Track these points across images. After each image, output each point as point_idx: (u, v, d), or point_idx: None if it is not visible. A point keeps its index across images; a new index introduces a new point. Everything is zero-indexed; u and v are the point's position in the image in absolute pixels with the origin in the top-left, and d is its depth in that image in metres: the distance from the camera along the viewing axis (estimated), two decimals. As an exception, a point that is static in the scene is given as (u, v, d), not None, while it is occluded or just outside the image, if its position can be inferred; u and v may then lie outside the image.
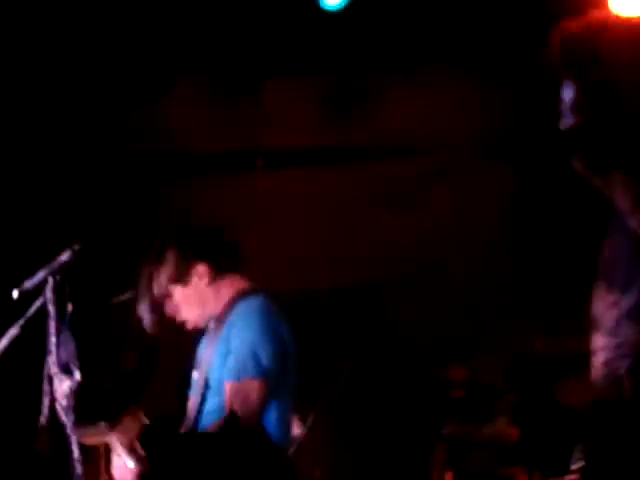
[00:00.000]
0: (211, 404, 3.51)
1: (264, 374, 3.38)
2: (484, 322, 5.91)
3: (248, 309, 3.47)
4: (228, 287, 3.55)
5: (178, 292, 3.55)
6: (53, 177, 5.59)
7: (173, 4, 5.50)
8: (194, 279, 3.53)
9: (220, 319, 3.52)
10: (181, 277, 3.52)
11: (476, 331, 5.88)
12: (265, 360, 3.39)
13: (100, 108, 5.72)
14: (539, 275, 5.96)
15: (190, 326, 3.62)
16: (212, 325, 3.58)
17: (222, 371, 3.47)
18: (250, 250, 4.56)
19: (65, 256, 3.39)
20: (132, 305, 3.60)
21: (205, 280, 3.53)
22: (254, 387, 3.37)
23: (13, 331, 3.38)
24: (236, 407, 3.33)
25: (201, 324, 3.61)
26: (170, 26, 5.59)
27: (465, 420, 5.67)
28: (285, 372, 3.46)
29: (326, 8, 5.41)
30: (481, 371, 5.79)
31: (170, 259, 3.54)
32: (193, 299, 3.55)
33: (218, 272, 3.53)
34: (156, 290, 3.55)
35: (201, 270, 3.53)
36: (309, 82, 6.07)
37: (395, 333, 5.91)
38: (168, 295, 3.57)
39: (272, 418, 3.46)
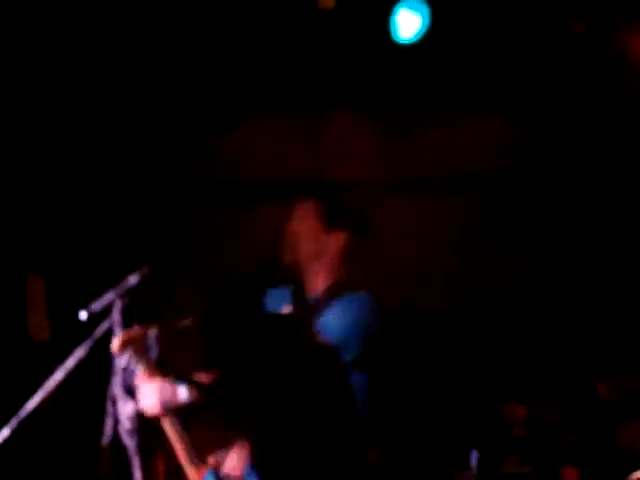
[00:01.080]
0: None
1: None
2: (546, 362, 5.84)
3: (358, 304, 3.49)
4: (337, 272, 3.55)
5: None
6: (123, 200, 5.64)
7: (242, 35, 5.56)
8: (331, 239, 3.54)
9: (320, 300, 3.55)
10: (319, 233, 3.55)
11: (538, 371, 5.82)
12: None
13: (170, 137, 5.78)
14: (603, 316, 5.90)
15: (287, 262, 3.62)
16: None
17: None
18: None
19: (133, 279, 3.43)
20: (192, 331, 3.61)
21: (337, 247, 3.53)
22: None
23: (80, 352, 3.40)
24: None
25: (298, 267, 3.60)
26: (238, 59, 5.65)
27: (525, 460, 5.60)
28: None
29: (400, 42, 5.42)
30: (541, 412, 5.72)
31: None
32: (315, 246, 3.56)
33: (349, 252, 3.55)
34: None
35: (341, 237, 3.54)
36: (371, 114, 6.09)
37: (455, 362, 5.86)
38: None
39: None
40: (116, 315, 3.34)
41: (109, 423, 3.40)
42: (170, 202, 3.70)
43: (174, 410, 3.46)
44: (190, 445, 3.62)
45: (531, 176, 6.08)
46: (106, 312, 3.36)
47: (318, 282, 3.61)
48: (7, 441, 3.40)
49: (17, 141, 5.49)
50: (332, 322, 3.53)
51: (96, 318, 3.39)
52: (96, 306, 3.36)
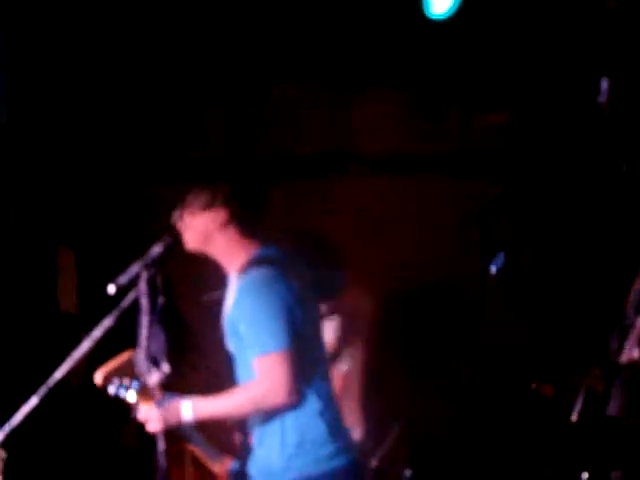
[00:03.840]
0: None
1: (283, 345, 3.35)
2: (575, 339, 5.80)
3: (253, 281, 3.42)
4: (244, 251, 3.49)
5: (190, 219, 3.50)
6: (149, 172, 5.67)
7: (272, 6, 5.56)
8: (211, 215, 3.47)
9: (233, 286, 3.50)
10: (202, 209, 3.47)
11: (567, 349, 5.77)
12: (280, 332, 3.36)
13: (201, 109, 5.79)
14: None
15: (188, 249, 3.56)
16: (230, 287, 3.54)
17: (234, 340, 3.47)
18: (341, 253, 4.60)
19: (157, 249, 3.45)
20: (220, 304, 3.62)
21: (217, 223, 3.47)
22: (276, 361, 3.34)
23: (107, 322, 3.44)
24: (265, 382, 3.34)
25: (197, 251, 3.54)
26: (269, 29, 5.64)
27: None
28: (304, 340, 3.41)
29: (433, 17, 5.38)
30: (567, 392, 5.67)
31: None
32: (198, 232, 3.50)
33: (238, 227, 3.48)
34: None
35: (221, 213, 3.47)
36: (405, 89, 6.05)
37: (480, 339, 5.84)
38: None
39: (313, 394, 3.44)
40: (142, 286, 3.37)
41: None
42: (195, 173, 3.72)
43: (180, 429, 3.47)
44: (206, 442, 3.64)
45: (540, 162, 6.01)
46: (133, 283, 3.39)
47: (225, 263, 3.52)
48: (36, 410, 3.44)
49: (48, 112, 5.52)
50: (228, 304, 3.48)
51: (123, 289, 3.42)
52: (123, 279, 3.39)
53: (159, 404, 3.37)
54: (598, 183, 5.49)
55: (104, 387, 3.45)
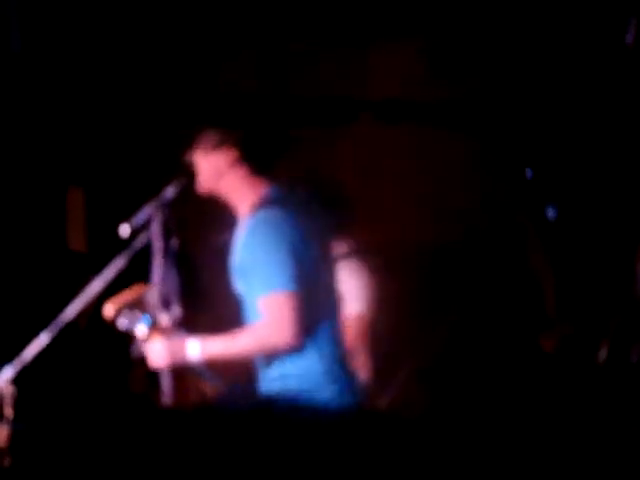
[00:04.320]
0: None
1: (290, 286, 3.34)
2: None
3: (262, 222, 3.41)
4: (254, 190, 3.48)
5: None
6: (161, 113, 5.63)
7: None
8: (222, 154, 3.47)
9: (242, 227, 3.49)
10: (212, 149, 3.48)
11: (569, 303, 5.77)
12: (287, 272, 3.34)
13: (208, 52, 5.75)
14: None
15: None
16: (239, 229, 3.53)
17: (243, 283, 3.45)
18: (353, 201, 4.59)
19: (171, 191, 3.44)
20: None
21: (227, 162, 3.47)
22: (283, 301, 3.33)
23: (118, 263, 3.43)
24: (271, 322, 3.33)
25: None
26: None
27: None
28: (312, 282, 3.40)
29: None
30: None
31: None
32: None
33: (249, 167, 3.47)
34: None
35: (230, 153, 3.47)
36: (417, 39, 6.00)
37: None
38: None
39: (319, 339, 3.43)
40: (155, 227, 3.36)
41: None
42: (207, 116, 3.70)
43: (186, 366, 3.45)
44: (220, 380, 3.63)
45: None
46: (145, 224, 3.38)
47: (235, 203, 3.50)
48: (45, 348, 3.44)
49: (63, 45, 5.46)
50: (237, 245, 3.46)
51: (135, 230, 3.41)
52: (136, 220, 3.39)
53: (167, 339, 3.37)
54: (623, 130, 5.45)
55: (114, 320, 3.44)
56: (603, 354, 3.70)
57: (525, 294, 5.62)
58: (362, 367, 4.03)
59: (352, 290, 4.21)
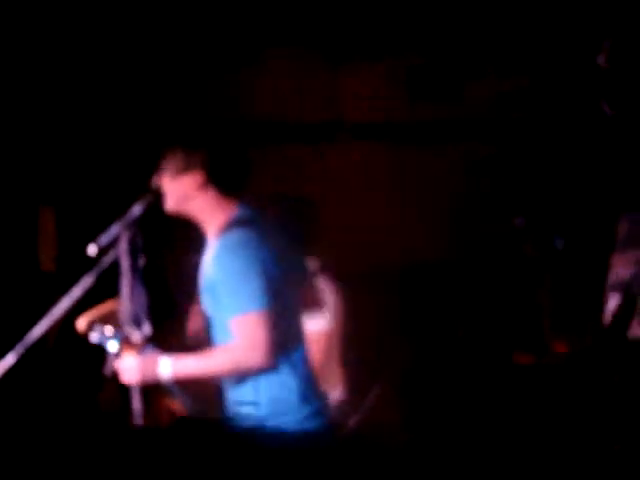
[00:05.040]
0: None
1: (262, 306, 3.32)
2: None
3: (231, 242, 3.39)
4: (223, 212, 3.46)
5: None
6: (134, 132, 5.62)
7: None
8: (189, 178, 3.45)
9: (210, 247, 3.47)
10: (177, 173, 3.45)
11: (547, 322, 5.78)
12: (258, 292, 3.33)
13: (184, 75, 5.75)
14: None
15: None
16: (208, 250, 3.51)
17: (212, 303, 3.43)
18: (323, 220, 4.58)
19: (138, 209, 3.43)
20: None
21: (193, 186, 3.44)
22: (255, 321, 3.31)
23: (86, 282, 3.41)
24: (245, 343, 3.31)
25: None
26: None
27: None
28: (282, 302, 3.38)
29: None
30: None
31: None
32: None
33: (217, 189, 3.45)
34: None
35: (197, 176, 3.44)
36: (393, 61, 6.03)
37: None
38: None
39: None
40: (123, 245, 3.35)
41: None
42: (181, 137, 3.70)
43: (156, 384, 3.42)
44: (190, 398, 3.61)
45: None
46: (113, 242, 3.37)
47: (204, 224, 3.49)
48: (12, 368, 3.41)
49: (27, 73, 5.46)
50: (206, 266, 3.44)
51: (103, 249, 3.39)
52: (104, 240, 3.37)
53: (139, 355, 3.35)
54: (597, 147, 5.48)
55: (86, 334, 3.42)
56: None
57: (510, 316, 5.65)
58: (332, 384, 4.02)
59: (321, 306, 4.20)
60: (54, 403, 4.95)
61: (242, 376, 3.40)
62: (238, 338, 3.34)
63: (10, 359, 3.40)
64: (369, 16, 5.77)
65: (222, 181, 3.47)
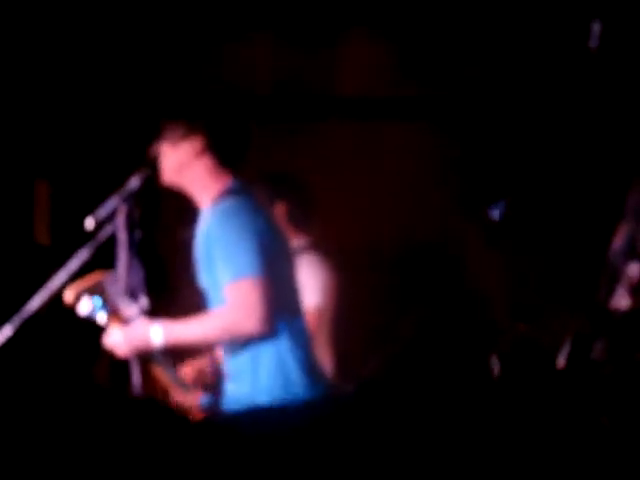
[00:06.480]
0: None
1: (256, 272, 3.30)
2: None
3: (224, 210, 3.39)
4: (217, 182, 3.46)
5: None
6: (131, 104, 5.60)
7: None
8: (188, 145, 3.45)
9: (203, 219, 3.46)
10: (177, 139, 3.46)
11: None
12: (252, 259, 3.32)
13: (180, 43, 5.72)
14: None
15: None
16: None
17: (207, 275, 3.42)
18: (318, 200, 4.58)
19: (135, 182, 3.43)
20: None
21: (192, 152, 3.45)
22: (249, 287, 3.29)
23: (83, 255, 3.41)
24: (238, 307, 3.28)
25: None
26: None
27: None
28: (276, 270, 3.38)
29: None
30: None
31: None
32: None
33: (214, 157, 3.46)
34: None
35: (196, 142, 3.45)
36: (389, 35, 6.00)
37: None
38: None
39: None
40: (120, 219, 3.35)
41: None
42: (179, 107, 3.69)
43: (149, 353, 3.41)
44: (175, 371, 3.60)
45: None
46: (110, 216, 3.37)
47: (198, 195, 3.49)
48: (9, 340, 3.42)
49: (20, 49, 5.43)
50: (200, 237, 3.44)
51: (100, 223, 3.39)
52: (101, 213, 3.37)
53: (128, 326, 3.34)
54: (587, 131, 5.48)
55: (74, 306, 3.41)
56: (564, 353, 3.72)
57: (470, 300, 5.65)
58: (322, 361, 4.02)
59: (310, 283, 4.19)
60: (50, 376, 4.96)
61: (241, 345, 3.37)
62: (232, 303, 3.30)
63: (6, 332, 3.41)
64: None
65: (221, 148, 3.46)
